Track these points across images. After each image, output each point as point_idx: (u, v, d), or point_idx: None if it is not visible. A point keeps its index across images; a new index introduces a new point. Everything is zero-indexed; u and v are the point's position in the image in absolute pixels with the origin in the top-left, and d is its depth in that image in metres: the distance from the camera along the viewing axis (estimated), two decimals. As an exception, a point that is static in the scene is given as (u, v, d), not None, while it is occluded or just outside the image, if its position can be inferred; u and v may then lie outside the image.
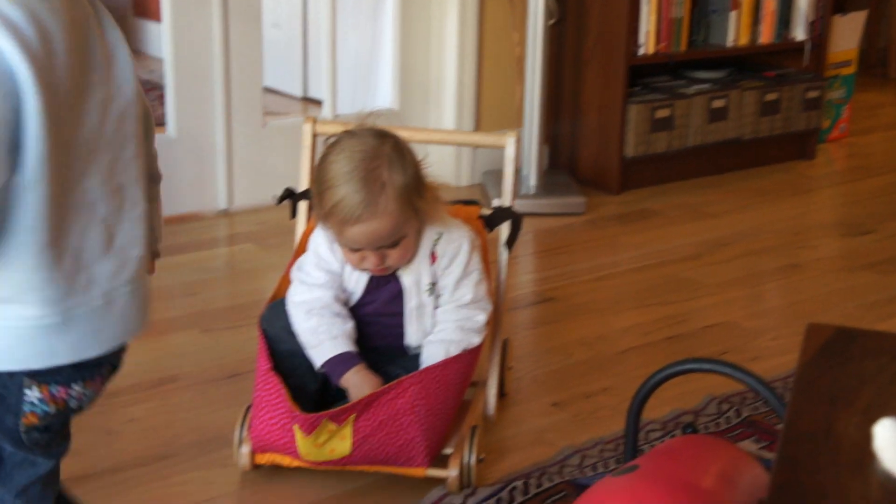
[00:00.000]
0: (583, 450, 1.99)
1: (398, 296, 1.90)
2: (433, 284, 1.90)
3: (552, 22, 3.54)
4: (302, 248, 2.07)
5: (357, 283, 1.90)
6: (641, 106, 3.47)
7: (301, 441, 1.78)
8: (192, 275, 2.78)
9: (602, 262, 2.95)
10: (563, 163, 3.65)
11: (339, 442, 1.79)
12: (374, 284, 1.90)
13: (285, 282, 2.02)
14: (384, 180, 1.76)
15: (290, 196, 2.15)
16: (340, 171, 1.77)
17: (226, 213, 3.22)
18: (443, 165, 3.55)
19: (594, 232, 3.19)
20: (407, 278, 1.89)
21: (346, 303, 1.91)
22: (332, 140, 1.85)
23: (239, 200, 3.23)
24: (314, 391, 1.90)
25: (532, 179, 3.39)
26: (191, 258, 2.89)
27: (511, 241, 2.08)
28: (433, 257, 1.89)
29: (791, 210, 3.43)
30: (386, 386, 1.79)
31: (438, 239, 1.89)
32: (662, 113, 3.52)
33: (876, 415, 1.05)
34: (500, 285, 2.10)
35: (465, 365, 1.87)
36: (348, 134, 1.84)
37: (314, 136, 2.16)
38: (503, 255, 2.10)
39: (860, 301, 2.73)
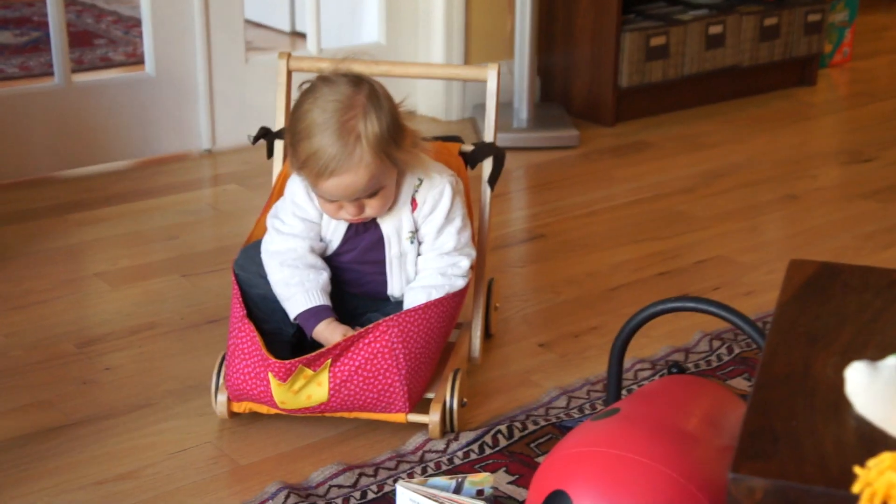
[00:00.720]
0: (570, 391, 1.97)
1: (378, 244, 1.86)
2: (414, 232, 1.86)
3: (542, -52, 3.47)
4: (279, 190, 2.03)
5: (335, 231, 1.87)
6: (636, 34, 3.40)
7: (276, 389, 1.76)
8: (174, 218, 2.74)
9: (595, 197, 2.90)
10: (555, 95, 3.59)
11: (316, 388, 1.76)
12: (353, 232, 1.86)
13: (260, 225, 1.99)
14: (359, 132, 1.72)
15: (266, 135, 2.11)
16: (314, 122, 1.73)
17: (209, 154, 3.17)
18: (432, 100, 3.49)
19: (587, 165, 3.14)
20: (387, 226, 1.85)
21: (323, 252, 1.88)
22: (305, 85, 1.80)
23: (222, 140, 3.19)
24: (291, 336, 1.87)
25: (523, 112, 3.33)
26: (172, 200, 2.85)
27: (493, 178, 2.04)
28: (414, 204, 1.85)
29: (790, 139, 3.37)
30: (362, 329, 1.76)
31: (419, 185, 1.84)
32: (658, 41, 3.45)
33: (854, 355, 1.02)
34: (484, 224, 2.06)
35: (447, 308, 1.84)
36: (322, 80, 1.78)
37: (289, 72, 2.11)
38: (486, 192, 2.06)
39: (858, 231, 2.69)
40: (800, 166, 3.14)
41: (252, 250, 1.91)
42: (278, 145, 2.10)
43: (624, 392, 1.92)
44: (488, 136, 2.06)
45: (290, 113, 1.81)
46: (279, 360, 1.74)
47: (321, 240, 1.88)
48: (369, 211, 1.80)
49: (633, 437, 1.34)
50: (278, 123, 2.11)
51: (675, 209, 2.82)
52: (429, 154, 1.88)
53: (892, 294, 1.14)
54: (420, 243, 1.87)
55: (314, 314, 1.83)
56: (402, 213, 1.85)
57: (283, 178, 2.05)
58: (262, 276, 1.87)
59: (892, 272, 1.19)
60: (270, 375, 1.75)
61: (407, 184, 1.84)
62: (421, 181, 1.85)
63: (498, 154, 2.04)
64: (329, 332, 1.81)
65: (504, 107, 3.42)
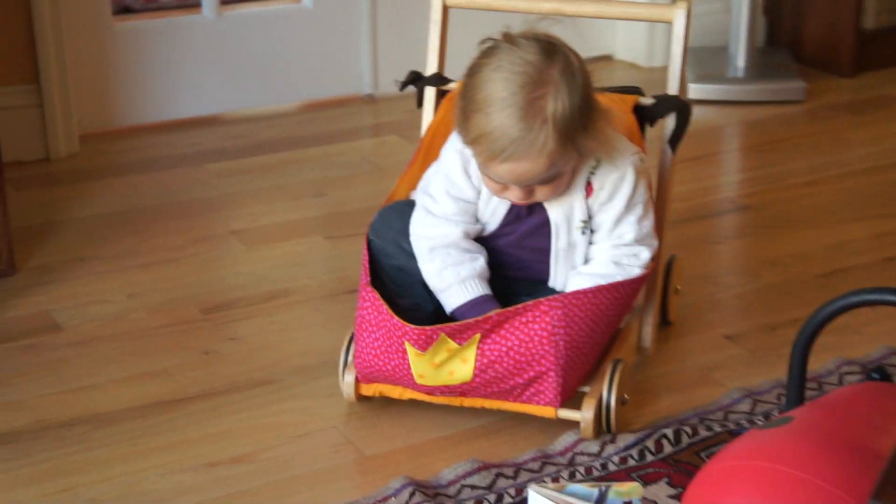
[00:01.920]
0: (756, 393, 1.95)
1: (542, 230, 1.87)
2: (587, 221, 1.86)
3: None
4: (427, 148, 2.07)
5: (494, 213, 1.89)
6: (887, -36, 3.30)
7: (415, 360, 1.80)
8: (324, 171, 2.84)
9: (819, 162, 2.84)
10: (783, 38, 3.51)
11: (461, 365, 1.80)
12: (514, 215, 1.88)
13: (403, 183, 2.04)
14: (547, 114, 1.71)
15: (417, 80, 2.16)
16: (496, 95, 1.73)
17: (370, 99, 3.26)
18: (633, 42, 3.48)
19: (814, 125, 3.07)
20: (555, 212, 1.86)
21: (479, 234, 1.91)
22: (487, 44, 1.80)
23: (386, 84, 3.26)
24: (431, 312, 1.92)
25: (740, 59, 3.29)
26: (325, 151, 2.95)
27: (676, 139, 2.03)
28: (589, 189, 1.85)
29: None
30: (521, 305, 1.79)
31: (596, 167, 1.84)
32: (915, -28, 3.33)
33: None
34: (663, 192, 2.05)
35: (621, 294, 1.84)
36: (509, 42, 1.77)
37: (445, 7, 2.15)
38: (667, 155, 2.05)
39: None
40: None
41: (391, 213, 1.95)
42: (429, 93, 2.15)
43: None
44: (672, 88, 2.05)
45: (466, 75, 1.80)
46: (418, 327, 1.78)
47: (477, 221, 1.91)
48: (539, 195, 1.81)
49: (799, 449, 1.32)
50: (430, 67, 2.16)
51: (918, 181, 2.75)
52: (615, 128, 1.88)
53: None
54: (593, 232, 1.88)
55: (474, 306, 1.86)
56: (575, 199, 1.85)
57: (433, 134, 2.09)
58: (401, 244, 1.92)
59: None
60: (408, 345, 1.80)
61: (582, 166, 1.84)
62: (599, 162, 1.84)
63: (683, 109, 2.02)
64: None
65: (718, 52, 3.38)
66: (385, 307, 1.82)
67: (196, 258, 2.43)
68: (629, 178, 1.84)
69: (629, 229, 1.86)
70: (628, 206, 1.85)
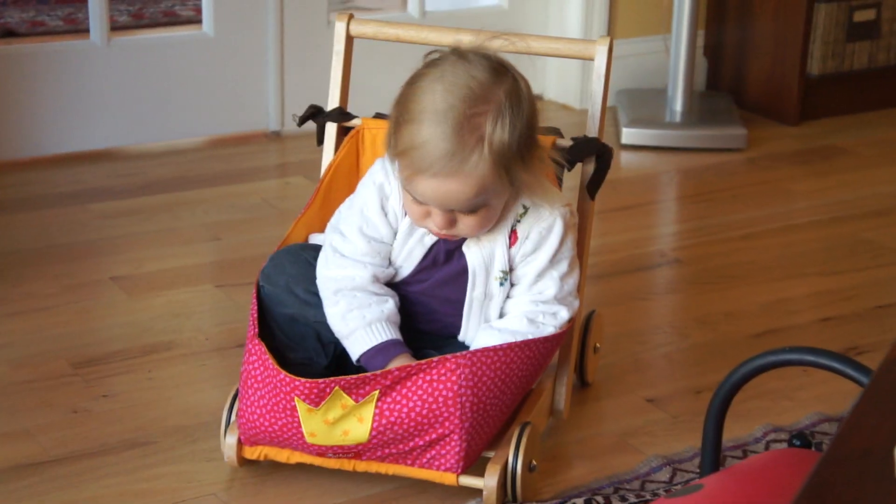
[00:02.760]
0: (677, 461, 1.96)
1: (459, 279, 1.88)
2: (507, 273, 1.87)
3: None
4: (328, 186, 2.08)
5: (408, 258, 1.89)
6: (834, 5, 3.38)
7: (306, 416, 1.79)
8: (221, 214, 2.84)
9: (758, 215, 2.88)
10: (725, 82, 3.57)
11: (356, 424, 1.80)
12: (430, 261, 1.89)
13: (299, 226, 2.04)
14: (483, 133, 1.72)
15: (317, 115, 2.16)
16: (431, 106, 1.73)
17: (276, 137, 3.27)
18: (565, 81, 3.52)
19: (755, 174, 3.12)
20: (474, 258, 1.86)
21: (389, 279, 1.91)
22: (433, 56, 1.82)
23: (292, 121, 3.26)
24: (324, 369, 1.91)
25: (678, 103, 3.34)
26: (221, 192, 2.95)
27: (594, 185, 2.04)
28: (513, 237, 1.86)
29: None
30: (425, 361, 1.79)
31: (524, 214, 1.85)
32: (864, 15, 3.41)
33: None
34: (581, 243, 2.06)
35: (534, 353, 1.85)
36: (457, 55, 1.78)
37: (349, 37, 2.16)
38: (585, 202, 2.07)
39: None
40: None
41: (284, 258, 1.95)
42: (330, 129, 2.16)
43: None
44: (593, 130, 2.07)
45: (405, 84, 1.81)
46: (310, 379, 1.77)
47: (389, 264, 1.91)
48: (461, 228, 1.81)
49: (706, 522, 1.33)
50: (332, 101, 2.17)
51: (861, 236, 2.79)
52: (549, 174, 1.90)
53: None
54: (512, 285, 1.89)
55: (380, 351, 1.85)
56: (497, 246, 1.86)
57: (333, 173, 2.10)
58: (293, 291, 1.91)
59: None
60: (298, 401, 1.79)
61: (508, 212, 1.85)
62: (526, 209, 1.85)
63: (602, 153, 2.04)
64: None
65: (656, 94, 3.42)
66: (272, 361, 1.81)
67: (71, 307, 2.41)
68: (557, 230, 1.86)
69: (550, 285, 1.87)
70: (552, 261, 1.86)
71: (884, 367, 1.15)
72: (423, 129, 1.73)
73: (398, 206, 1.87)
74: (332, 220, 1.96)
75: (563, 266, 1.88)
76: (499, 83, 1.75)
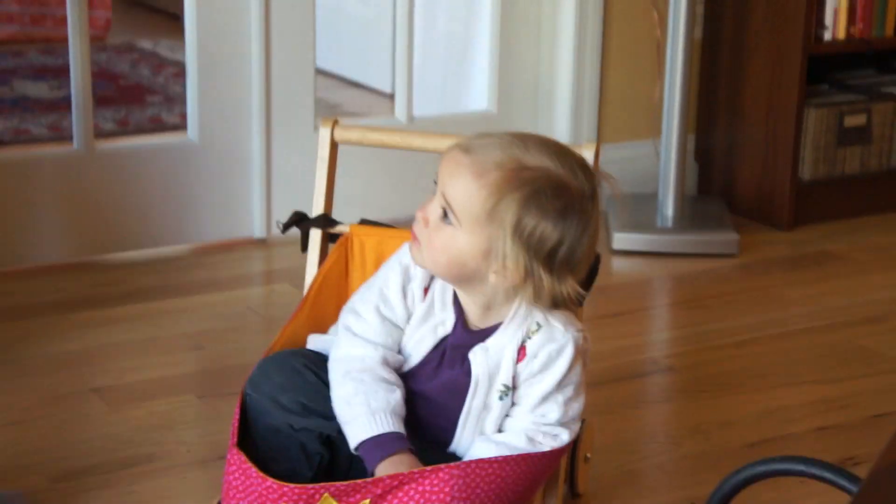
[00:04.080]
0: (671, 576, 1.94)
1: (461, 385, 1.86)
2: (508, 388, 1.86)
3: (705, -3, 3.52)
4: (316, 294, 2.09)
5: (417, 345, 1.89)
6: (825, 110, 3.41)
7: (294, 523, 1.77)
8: (205, 323, 2.83)
9: (751, 322, 2.89)
10: (716, 186, 3.60)
11: (345, 534, 1.78)
12: (438, 357, 1.88)
13: (286, 334, 2.04)
14: (526, 189, 1.74)
15: (300, 222, 2.17)
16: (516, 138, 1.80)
17: (262, 244, 3.28)
18: (553, 187, 3.54)
19: (747, 281, 3.13)
20: (479, 365, 1.86)
21: (398, 367, 1.90)
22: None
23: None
24: (308, 481, 1.90)
25: (669, 208, 3.35)
26: (207, 300, 2.95)
27: (584, 288, 2.04)
28: (522, 352, 1.85)
29: None
30: (418, 470, 1.77)
31: (536, 331, 1.85)
32: (855, 120, 3.45)
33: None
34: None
35: (531, 470, 1.83)
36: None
37: (333, 143, 2.18)
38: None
39: None
40: None
41: (271, 366, 1.94)
42: (315, 236, 2.16)
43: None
44: (580, 236, 2.07)
45: None
46: (298, 485, 1.75)
47: (399, 352, 1.91)
48: (422, 239, 1.80)
49: None
50: (317, 208, 2.18)
51: (856, 343, 2.79)
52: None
53: None
54: (514, 404, 1.88)
55: (380, 444, 1.82)
56: (504, 357, 1.85)
57: (322, 281, 2.11)
58: (278, 401, 1.90)
59: None
60: (284, 507, 1.77)
61: (521, 323, 1.85)
62: (539, 326, 1.85)
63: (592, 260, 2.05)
64: (402, 468, 1.79)
65: (647, 199, 3.44)
66: (253, 469, 1.79)
67: (49, 419, 2.39)
68: (567, 353, 1.84)
69: (555, 409, 1.85)
70: (559, 385, 1.85)
71: (871, 478, 1.15)
72: (494, 138, 1.79)
73: (419, 289, 1.87)
74: (348, 304, 1.95)
75: (570, 391, 1.86)
76: (581, 186, 1.78)
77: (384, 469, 1.81)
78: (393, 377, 1.88)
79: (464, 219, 1.77)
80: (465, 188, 1.76)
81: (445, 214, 1.78)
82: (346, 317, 1.92)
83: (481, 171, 1.76)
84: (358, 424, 1.84)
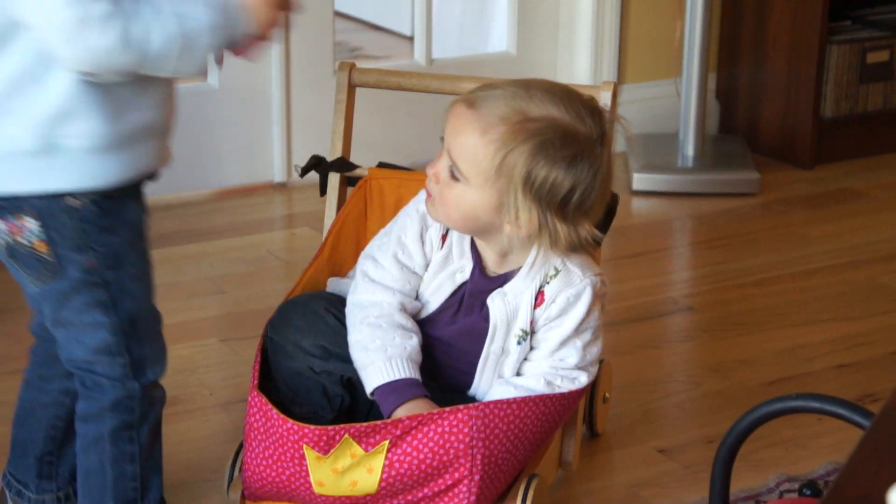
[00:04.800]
0: (689, 513, 1.97)
1: (479, 330, 1.89)
2: (526, 332, 1.88)
3: (725, -66, 3.50)
4: (335, 238, 2.11)
5: (436, 292, 1.91)
6: (847, 46, 3.40)
7: (314, 465, 1.79)
8: (226, 267, 2.86)
9: (771, 261, 2.90)
10: (738, 125, 3.59)
11: (365, 475, 1.80)
12: (456, 303, 1.90)
13: (307, 278, 2.06)
14: (530, 133, 1.75)
15: (319, 166, 2.19)
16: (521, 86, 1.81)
17: (282, 188, 3.29)
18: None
19: (768, 219, 3.13)
20: (497, 311, 1.88)
21: (415, 313, 1.93)
22: None
23: (299, 172, 3.30)
24: (329, 422, 1.92)
25: (690, 147, 3.36)
26: (228, 245, 2.97)
27: (601, 230, 2.06)
28: (540, 297, 1.87)
29: None
30: (437, 411, 1.79)
31: (554, 276, 1.87)
32: (878, 56, 3.44)
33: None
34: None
35: (550, 409, 1.85)
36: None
37: (351, 87, 2.19)
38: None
39: None
40: None
41: (293, 309, 1.96)
42: (333, 180, 2.18)
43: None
44: (598, 176, 2.08)
45: None
46: (319, 426, 1.78)
47: (416, 297, 1.93)
48: (435, 194, 1.82)
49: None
50: (335, 152, 2.20)
51: (877, 280, 2.80)
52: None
53: None
54: (532, 348, 1.90)
55: (396, 389, 1.85)
56: (522, 303, 1.87)
57: (341, 225, 2.13)
58: (300, 344, 1.92)
59: None
60: (307, 449, 1.79)
61: (538, 268, 1.87)
62: (557, 271, 1.87)
63: (609, 201, 2.06)
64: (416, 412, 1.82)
65: (668, 139, 3.45)
66: (274, 411, 1.82)
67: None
68: (585, 298, 1.86)
69: (573, 353, 1.88)
70: (577, 330, 1.87)
71: (884, 414, 1.17)
72: (498, 90, 1.79)
73: (436, 237, 1.89)
74: (366, 249, 1.97)
75: (588, 335, 1.88)
76: (589, 132, 1.78)
77: (400, 414, 1.83)
78: (410, 324, 1.90)
79: (472, 176, 1.78)
80: (471, 145, 1.77)
81: (454, 174, 1.80)
82: (363, 262, 1.94)
83: (486, 126, 1.76)
84: (374, 370, 1.86)
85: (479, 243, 1.89)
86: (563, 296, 1.86)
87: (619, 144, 3.50)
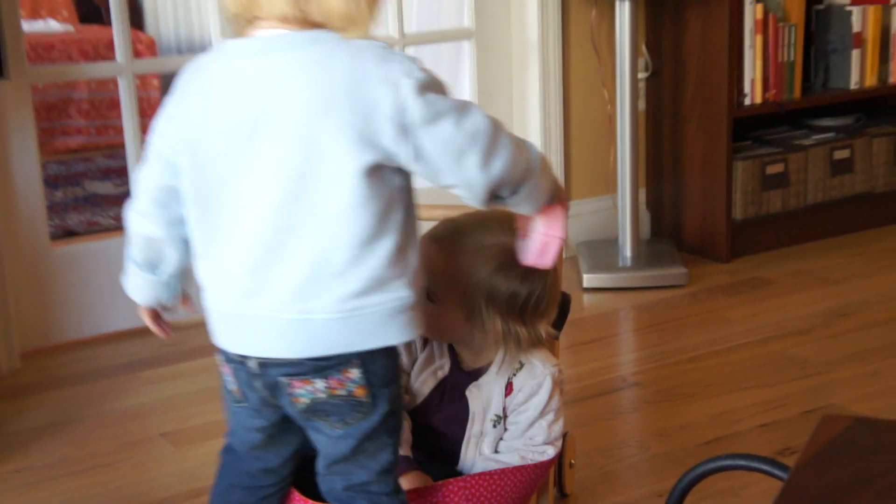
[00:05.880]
0: (646, 558, 1.95)
1: (461, 417, 1.89)
2: (500, 417, 1.89)
3: (646, 75, 3.55)
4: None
5: (422, 386, 1.91)
6: (750, 161, 3.43)
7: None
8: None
9: (699, 341, 2.89)
10: (666, 230, 3.61)
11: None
12: (440, 395, 1.90)
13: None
14: (490, 248, 1.77)
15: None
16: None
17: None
18: (531, 240, 3.55)
19: (695, 306, 3.14)
20: (475, 401, 1.89)
21: (408, 405, 1.92)
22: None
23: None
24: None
25: (628, 250, 3.37)
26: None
27: (557, 327, 2.06)
28: (509, 388, 1.88)
29: (928, 271, 3.31)
30: (433, 484, 1.78)
31: (519, 369, 1.88)
32: (774, 168, 3.46)
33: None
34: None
35: (526, 478, 1.84)
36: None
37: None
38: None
39: None
40: (935, 301, 3.08)
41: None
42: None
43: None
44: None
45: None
46: (307, 499, 1.75)
47: (407, 390, 1.93)
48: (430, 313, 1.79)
49: None
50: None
51: (788, 353, 2.79)
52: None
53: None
54: (506, 429, 1.90)
55: None
56: (494, 393, 1.88)
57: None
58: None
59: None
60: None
61: (507, 364, 1.88)
62: (522, 365, 1.88)
63: (563, 301, 2.06)
64: (411, 485, 1.80)
65: (609, 244, 3.46)
66: (295, 493, 1.80)
67: (128, 462, 2.41)
68: (546, 386, 1.87)
69: (540, 433, 1.88)
70: (542, 412, 1.88)
71: (798, 468, 1.17)
72: (458, 223, 1.82)
73: (419, 340, 1.89)
74: None
75: (551, 416, 1.89)
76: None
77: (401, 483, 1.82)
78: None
79: (445, 299, 1.80)
80: (441, 275, 1.79)
81: (430, 297, 1.81)
82: None
83: (450, 257, 1.79)
84: None
85: (455, 346, 1.89)
86: (528, 385, 1.87)
87: (571, 251, 3.53)
